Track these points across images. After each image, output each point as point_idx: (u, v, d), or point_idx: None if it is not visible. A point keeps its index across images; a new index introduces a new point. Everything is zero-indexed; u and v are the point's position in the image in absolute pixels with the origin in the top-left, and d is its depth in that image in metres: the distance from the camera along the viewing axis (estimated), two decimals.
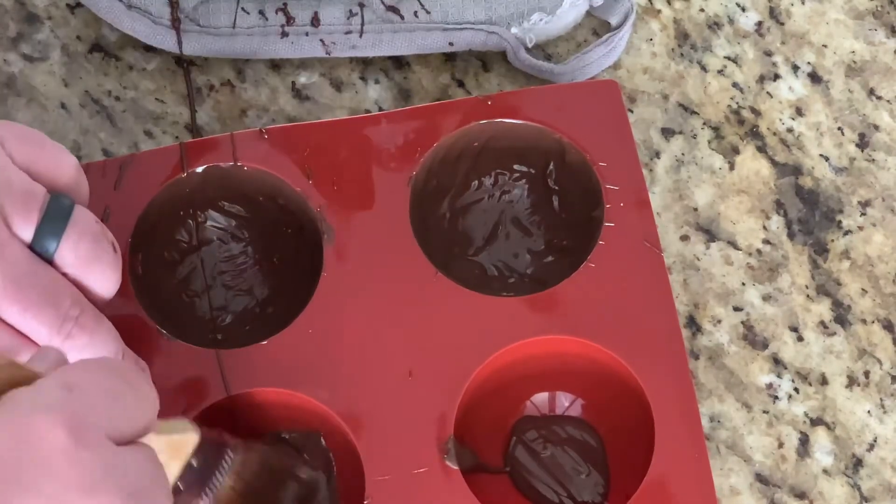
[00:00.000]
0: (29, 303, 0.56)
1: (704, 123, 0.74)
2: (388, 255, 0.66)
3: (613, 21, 0.74)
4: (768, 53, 0.75)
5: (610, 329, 0.65)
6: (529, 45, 0.73)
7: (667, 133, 0.74)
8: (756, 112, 0.74)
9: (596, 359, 0.65)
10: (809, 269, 0.71)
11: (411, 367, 0.64)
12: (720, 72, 0.75)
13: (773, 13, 0.76)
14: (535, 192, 0.70)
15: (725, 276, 0.71)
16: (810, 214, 0.72)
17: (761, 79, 0.75)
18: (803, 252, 0.72)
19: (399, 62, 0.75)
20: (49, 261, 0.57)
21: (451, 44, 0.73)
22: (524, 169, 0.70)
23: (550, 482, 0.66)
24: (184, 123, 0.73)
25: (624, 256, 0.66)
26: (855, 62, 0.75)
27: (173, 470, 0.52)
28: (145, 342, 0.64)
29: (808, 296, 0.71)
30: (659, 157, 0.73)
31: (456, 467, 0.63)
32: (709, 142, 0.74)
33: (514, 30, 0.73)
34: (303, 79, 0.75)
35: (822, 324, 0.70)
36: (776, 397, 0.69)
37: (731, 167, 0.73)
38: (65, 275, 0.58)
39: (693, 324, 0.70)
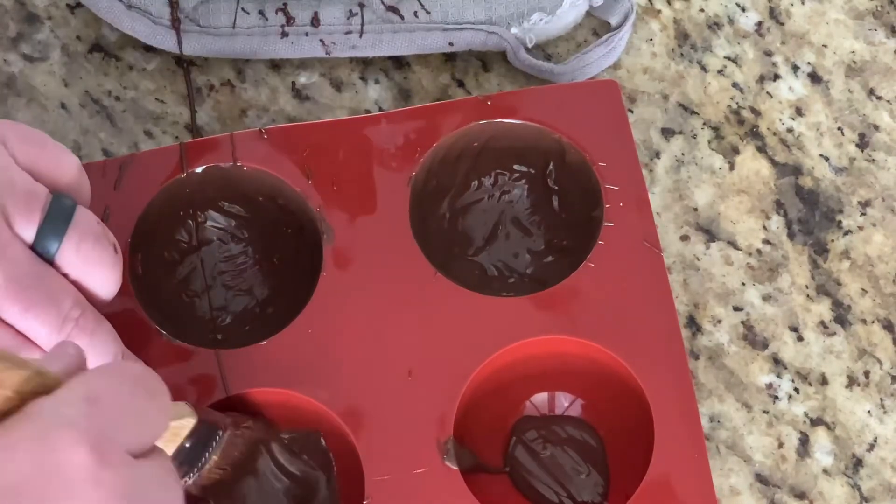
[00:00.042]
0: (30, 303, 0.56)
1: (704, 123, 0.74)
2: (387, 255, 0.66)
3: (613, 21, 0.74)
4: (768, 53, 0.75)
5: (610, 329, 0.65)
6: (529, 45, 0.73)
7: (667, 133, 0.74)
8: (756, 112, 0.74)
9: (596, 359, 0.65)
10: (809, 269, 0.71)
11: (411, 367, 0.64)
12: (720, 72, 0.75)
13: (773, 13, 0.76)
14: (534, 192, 0.70)
15: (725, 276, 0.71)
16: (810, 214, 0.72)
17: (761, 79, 0.75)
18: (803, 252, 0.72)
19: (399, 62, 0.75)
20: (50, 261, 0.57)
21: (451, 44, 0.73)
22: (524, 169, 0.70)
23: (550, 482, 0.66)
24: (184, 123, 0.73)
25: (624, 256, 0.66)
26: (855, 62, 0.75)
27: (167, 451, 0.53)
28: (145, 342, 0.64)
29: (808, 296, 0.71)
30: (659, 157, 0.73)
31: (455, 467, 0.63)
32: (709, 142, 0.74)
33: (514, 30, 0.73)
34: (303, 79, 0.75)
35: (822, 324, 0.70)
36: (776, 397, 0.69)
37: (731, 167, 0.73)
38: (65, 275, 0.58)
39: (693, 324, 0.70)
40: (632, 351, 0.64)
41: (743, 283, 0.71)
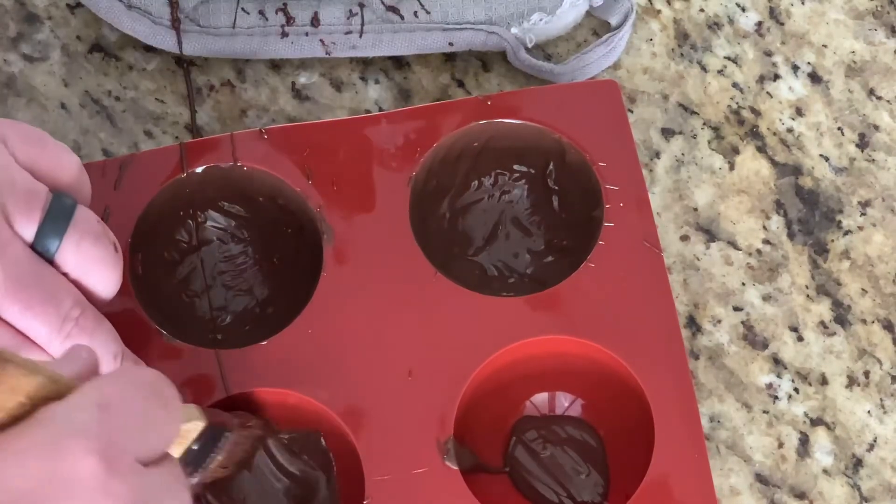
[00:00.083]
0: (30, 302, 0.56)
1: (704, 123, 0.74)
2: (387, 255, 0.66)
3: (613, 21, 0.74)
4: (768, 53, 0.75)
5: (610, 329, 0.65)
6: (529, 45, 0.73)
7: (667, 133, 0.74)
8: (756, 112, 0.74)
9: (596, 359, 0.65)
10: (809, 269, 0.71)
11: (411, 367, 0.64)
12: (720, 72, 0.75)
13: (773, 13, 0.76)
14: (535, 192, 0.70)
15: (725, 276, 0.71)
16: (810, 214, 0.72)
17: (761, 79, 0.75)
18: (803, 252, 0.72)
19: (399, 62, 0.75)
20: (50, 260, 0.57)
21: (451, 44, 0.73)
22: (524, 169, 0.70)
23: (550, 482, 0.66)
24: (184, 123, 0.73)
25: (624, 256, 0.66)
26: (855, 62, 0.75)
27: (175, 453, 0.53)
28: (145, 342, 0.64)
29: (808, 296, 0.71)
30: (659, 157, 0.73)
31: (455, 467, 0.63)
32: (709, 142, 0.74)
33: (514, 30, 0.73)
34: (303, 79, 0.75)
35: (822, 324, 0.70)
36: (776, 397, 0.69)
37: (731, 167, 0.73)
38: (66, 274, 0.58)
39: (693, 324, 0.70)
40: (632, 351, 0.64)
41: (743, 283, 0.71)
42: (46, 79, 0.74)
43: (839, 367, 0.70)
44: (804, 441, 0.68)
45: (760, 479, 0.68)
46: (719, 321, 0.70)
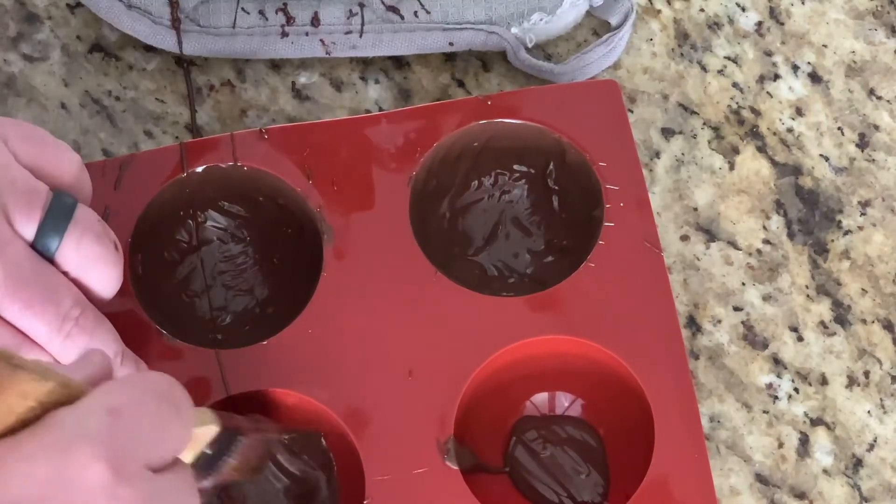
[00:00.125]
0: (30, 301, 0.56)
1: (704, 123, 0.74)
2: (387, 255, 0.66)
3: (613, 21, 0.74)
4: (768, 53, 0.75)
5: (610, 329, 0.65)
6: (529, 45, 0.73)
7: (667, 133, 0.74)
8: (756, 112, 0.74)
9: (596, 359, 0.65)
10: (809, 269, 0.71)
11: (411, 366, 0.64)
12: (720, 72, 0.75)
13: (773, 13, 0.76)
14: (535, 192, 0.70)
15: (725, 276, 0.71)
16: (810, 214, 0.72)
17: (761, 79, 0.75)
18: (803, 252, 0.72)
19: (399, 62, 0.75)
20: (50, 259, 0.57)
21: (451, 44, 0.73)
22: (524, 169, 0.70)
23: (550, 482, 0.66)
24: (184, 123, 0.73)
25: (624, 256, 0.66)
26: (855, 62, 0.75)
27: (187, 458, 0.52)
28: (145, 342, 0.64)
29: (808, 296, 0.71)
30: (659, 157, 0.73)
31: (456, 467, 0.63)
32: (709, 142, 0.74)
33: (514, 30, 0.73)
34: (303, 79, 0.75)
35: (822, 324, 0.70)
36: (776, 397, 0.69)
37: (731, 167, 0.73)
38: (66, 273, 0.58)
39: (693, 324, 0.70)
40: (632, 351, 0.64)
41: (743, 283, 0.71)
42: (46, 79, 0.74)
43: (839, 367, 0.69)
44: (804, 441, 0.68)
45: (760, 479, 0.68)
46: (719, 321, 0.70)
